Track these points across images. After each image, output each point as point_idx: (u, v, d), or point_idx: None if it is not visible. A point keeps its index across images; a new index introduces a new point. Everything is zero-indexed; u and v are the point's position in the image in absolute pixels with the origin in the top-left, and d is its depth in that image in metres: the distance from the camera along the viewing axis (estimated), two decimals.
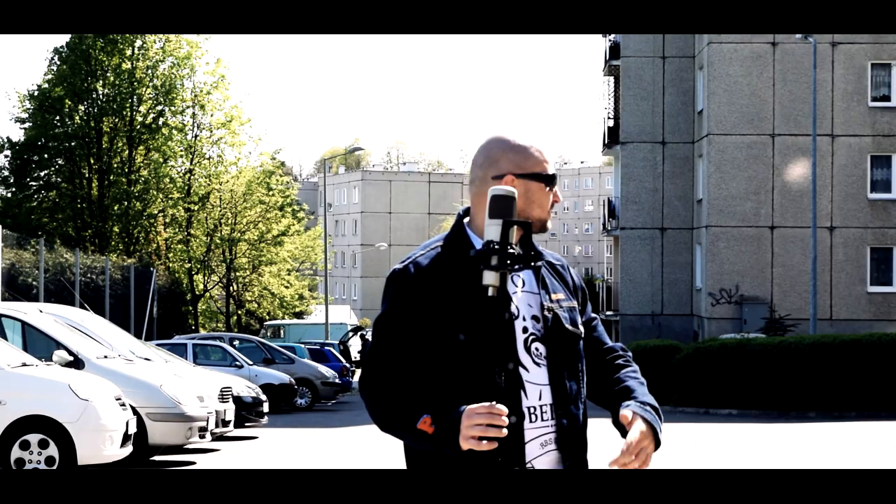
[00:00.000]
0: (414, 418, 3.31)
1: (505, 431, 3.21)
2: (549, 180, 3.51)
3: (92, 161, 44.91)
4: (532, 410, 3.40)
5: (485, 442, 3.21)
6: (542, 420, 3.41)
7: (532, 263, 3.34)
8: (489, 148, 3.52)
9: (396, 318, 3.43)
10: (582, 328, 3.57)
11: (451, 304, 3.38)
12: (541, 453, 3.40)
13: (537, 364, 3.43)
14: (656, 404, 3.51)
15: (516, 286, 3.47)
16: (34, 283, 28.56)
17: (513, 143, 3.50)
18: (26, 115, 45.05)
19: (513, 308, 3.43)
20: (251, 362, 27.87)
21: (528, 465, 3.39)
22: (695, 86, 41.57)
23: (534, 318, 3.46)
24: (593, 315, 3.69)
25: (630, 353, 3.71)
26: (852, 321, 37.12)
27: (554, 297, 3.51)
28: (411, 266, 3.46)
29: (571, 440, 3.44)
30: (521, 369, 3.40)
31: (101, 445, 12.96)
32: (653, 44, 42.06)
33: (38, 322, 15.45)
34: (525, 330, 3.43)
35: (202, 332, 45.30)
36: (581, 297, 3.64)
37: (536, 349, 3.43)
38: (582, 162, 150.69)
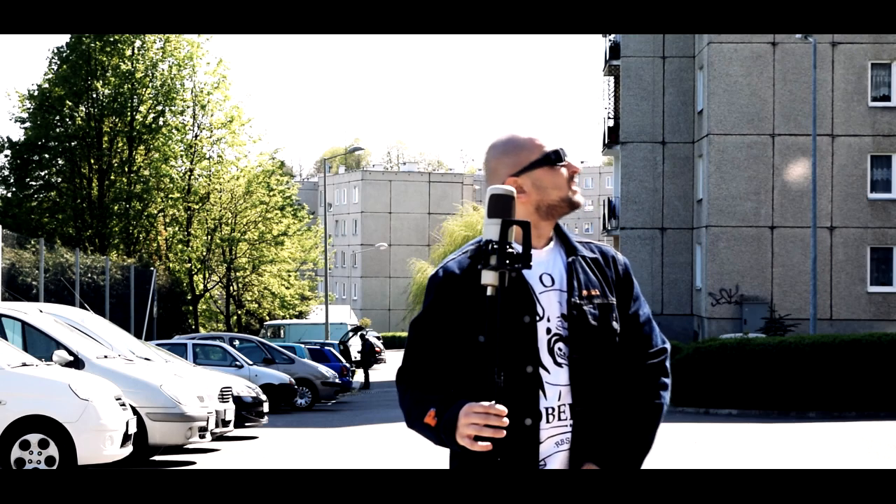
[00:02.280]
0: (423, 412, 3.35)
1: (502, 433, 3.21)
2: (550, 159, 3.47)
3: (92, 161, 44.88)
4: (550, 411, 3.40)
5: (480, 443, 3.21)
6: (560, 420, 3.41)
7: (531, 263, 3.32)
8: (486, 161, 3.53)
9: (426, 320, 3.47)
10: (617, 325, 3.49)
11: (473, 307, 3.39)
12: (554, 451, 3.41)
13: (559, 364, 3.41)
14: (637, 448, 3.44)
15: (544, 284, 3.45)
16: (34, 283, 28.55)
17: (501, 145, 3.50)
18: (26, 115, 45.03)
19: (538, 309, 3.41)
20: (251, 362, 27.86)
21: (542, 464, 3.40)
22: (695, 86, 41.57)
23: (561, 316, 3.44)
24: (640, 311, 3.57)
25: (665, 357, 3.58)
26: (852, 321, 37.12)
27: (585, 293, 3.46)
28: (441, 270, 3.49)
29: (588, 439, 3.43)
30: (541, 370, 3.39)
31: (101, 445, 12.96)
32: (653, 44, 42.06)
33: (38, 322, 15.45)
34: (549, 331, 3.42)
35: (202, 332, 45.29)
36: (625, 291, 3.56)
37: (560, 349, 3.42)
38: (582, 162, 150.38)
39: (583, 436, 3.41)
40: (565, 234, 3.56)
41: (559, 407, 3.40)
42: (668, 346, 3.61)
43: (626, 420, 3.46)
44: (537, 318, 3.41)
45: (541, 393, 3.38)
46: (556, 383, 3.40)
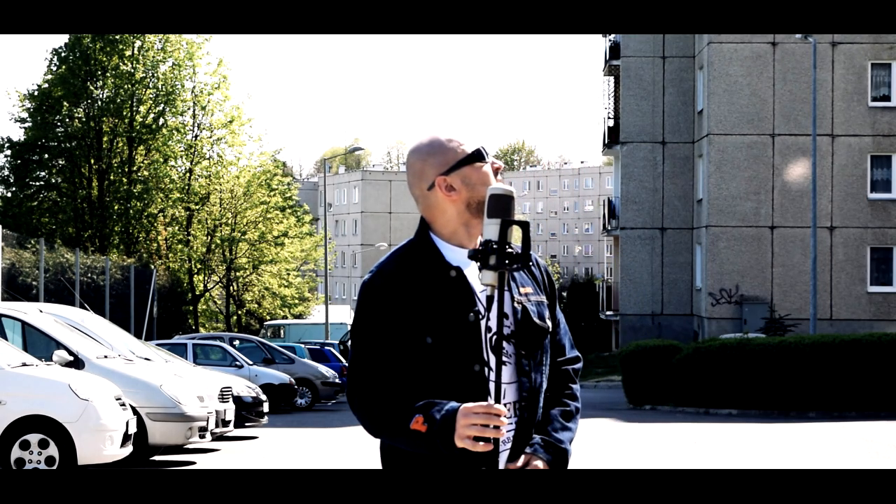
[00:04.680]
0: (406, 419, 3.31)
1: (503, 432, 3.21)
2: (475, 157, 3.48)
3: (92, 161, 44.90)
4: None
5: (481, 443, 3.20)
6: (505, 418, 3.42)
7: (529, 263, 3.33)
8: (411, 165, 3.53)
9: (369, 327, 3.44)
10: (549, 323, 3.55)
11: (417, 309, 3.39)
12: (503, 450, 3.41)
13: (504, 363, 3.42)
14: (566, 437, 3.48)
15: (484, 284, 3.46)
16: (34, 283, 28.55)
17: (426, 147, 3.50)
18: (26, 115, 45.04)
19: (479, 308, 3.41)
20: (251, 362, 27.85)
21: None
22: (695, 86, 41.56)
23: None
24: (559, 316, 3.66)
25: (579, 364, 3.68)
26: (852, 321, 37.12)
27: (523, 290, 3.50)
28: (378, 276, 3.47)
29: (529, 436, 3.44)
30: (486, 370, 3.39)
31: (101, 445, 12.95)
32: (653, 44, 42.06)
33: (38, 322, 15.44)
34: (490, 329, 3.42)
35: (202, 332, 45.28)
36: (550, 292, 3.61)
37: (503, 347, 3.43)
38: (582, 162, 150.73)
39: (524, 432, 3.43)
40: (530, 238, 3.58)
41: (504, 405, 3.40)
42: (579, 354, 3.72)
43: (556, 414, 3.52)
44: (480, 316, 3.41)
45: (488, 392, 3.39)
46: (501, 382, 3.41)
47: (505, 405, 3.40)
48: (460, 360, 3.36)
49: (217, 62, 46.52)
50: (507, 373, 3.42)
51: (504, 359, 3.42)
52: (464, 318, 3.38)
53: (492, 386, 3.37)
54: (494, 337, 3.40)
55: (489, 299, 3.26)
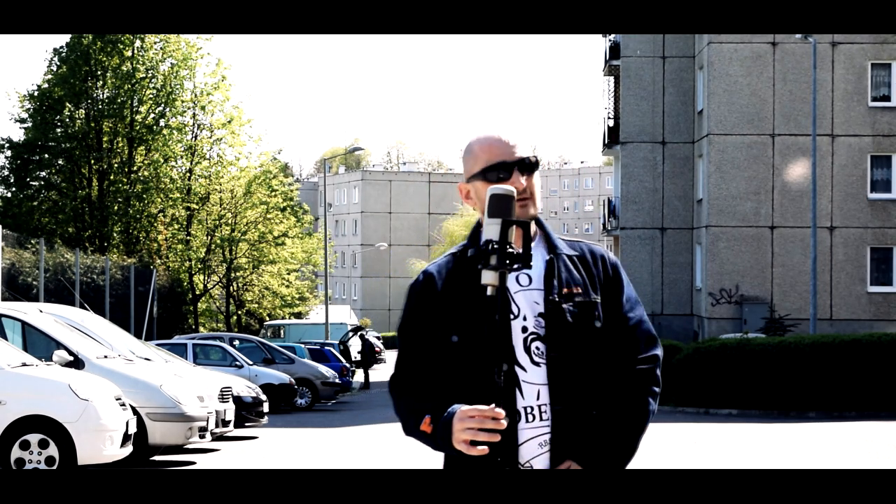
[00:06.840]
0: (419, 419, 3.35)
1: (498, 436, 3.19)
2: (492, 171, 3.41)
3: (92, 161, 44.87)
4: (529, 410, 3.37)
5: (477, 447, 3.19)
6: (541, 420, 3.38)
7: (531, 263, 3.31)
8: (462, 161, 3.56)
9: (409, 325, 3.50)
10: (599, 323, 3.43)
11: (447, 307, 3.40)
12: (540, 453, 3.38)
13: (536, 364, 3.39)
14: (624, 446, 3.41)
15: (521, 284, 3.43)
16: (34, 283, 28.54)
17: (465, 148, 3.51)
18: (26, 115, 45.01)
19: (513, 307, 3.40)
20: (251, 362, 27.85)
21: (527, 465, 3.37)
22: (695, 86, 41.56)
23: (539, 315, 3.42)
24: (630, 314, 3.50)
25: (652, 365, 3.49)
26: (852, 321, 37.11)
27: (565, 290, 3.43)
28: (422, 275, 3.51)
29: (570, 439, 3.39)
30: (517, 369, 3.37)
31: (101, 445, 12.95)
32: (653, 44, 42.05)
33: (38, 322, 15.44)
34: (525, 329, 3.40)
35: (202, 332, 45.27)
36: (613, 290, 3.49)
37: (537, 348, 3.40)
38: (582, 162, 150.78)
39: (562, 435, 3.38)
40: (548, 232, 3.54)
41: (539, 407, 3.38)
42: (659, 352, 3.52)
43: (612, 425, 3.41)
44: (513, 315, 3.39)
45: (518, 391, 3.37)
46: (533, 382, 3.38)
47: (539, 406, 3.38)
48: (488, 359, 3.33)
49: (216, 62, 46.52)
50: (539, 374, 3.39)
51: (537, 359, 3.39)
52: (492, 318, 3.35)
53: (524, 386, 3.37)
54: (529, 337, 3.40)
55: (492, 299, 3.24)
